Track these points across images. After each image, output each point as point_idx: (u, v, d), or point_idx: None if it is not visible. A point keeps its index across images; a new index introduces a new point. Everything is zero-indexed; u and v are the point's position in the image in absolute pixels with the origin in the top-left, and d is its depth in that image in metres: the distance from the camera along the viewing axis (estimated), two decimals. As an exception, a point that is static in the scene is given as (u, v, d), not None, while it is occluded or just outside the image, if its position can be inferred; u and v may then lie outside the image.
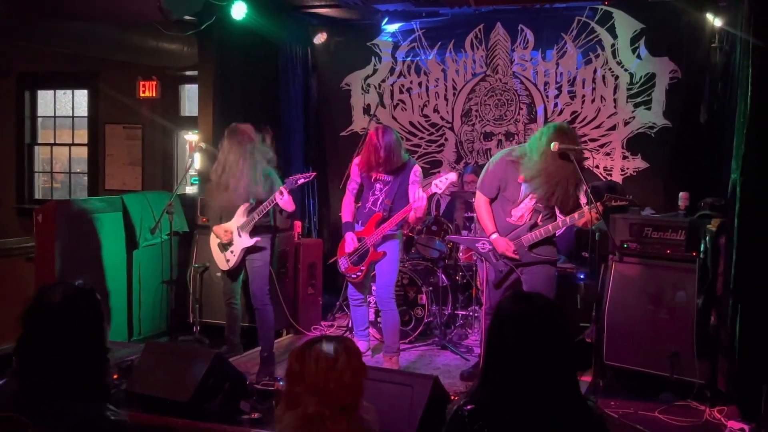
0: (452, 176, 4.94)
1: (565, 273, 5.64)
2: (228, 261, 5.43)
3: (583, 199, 4.56)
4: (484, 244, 4.85)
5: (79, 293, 2.26)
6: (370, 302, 5.80)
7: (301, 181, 5.19)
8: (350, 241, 5.25)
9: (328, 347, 2.10)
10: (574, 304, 5.50)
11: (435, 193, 4.96)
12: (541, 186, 4.53)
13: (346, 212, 5.36)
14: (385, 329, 5.35)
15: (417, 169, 5.18)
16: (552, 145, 4.39)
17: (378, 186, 5.19)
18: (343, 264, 5.34)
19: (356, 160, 5.36)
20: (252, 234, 5.33)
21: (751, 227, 4.27)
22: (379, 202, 5.17)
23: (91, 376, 2.20)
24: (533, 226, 4.69)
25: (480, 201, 4.88)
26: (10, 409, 2.05)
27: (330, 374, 2.05)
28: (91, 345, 2.22)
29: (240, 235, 5.34)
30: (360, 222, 5.28)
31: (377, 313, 6.12)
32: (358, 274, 5.26)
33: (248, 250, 5.37)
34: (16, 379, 2.18)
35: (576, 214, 4.51)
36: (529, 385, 2.01)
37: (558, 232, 4.78)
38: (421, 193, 4.89)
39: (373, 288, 5.62)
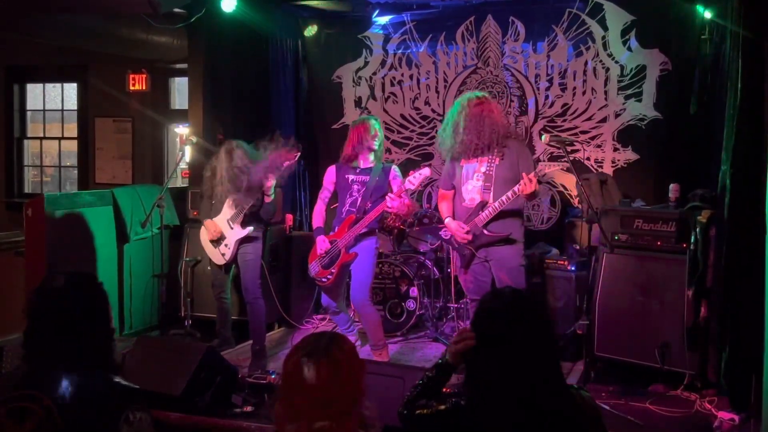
0: (426, 171, 4.88)
1: (556, 265, 5.66)
2: (224, 255, 5.42)
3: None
4: (445, 231, 4.97)
5: (81, 277, 2.40)
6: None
7: (285, 164, 5.19)
8: (321, 243, 5.19)
9: (328, 353, 1.94)
10: (566, 296, 5.52)
11: (409, 189, 4.91)
12: (454, 141, 4.76)
13: (317, 218, 5.32)
14: (367, 329, 5.27)
15: (395, 168, 5.23)
16: (543, 138, 4.49)
17: (355, 187, 5.18)
18: (313, 268, 5.26)
19: (331, 168, 5.36)
20: (244, 224, 5.33)
21: (741, 218, 4.29)
22: (357, 204, 5.12)
23: (99, 355, 2.33)
24: (483, 205, 4.73)
25: (439, 194, 5.12)
26: (24, 387, 2.17)
27: (335, 384, 1.91)
28: (96, 325, 2.35)
29: (232, 227, 5.34)
30: (335, 227, 5.22)
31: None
32: (329, 277, 5.16)
33: (242, 241, 5.37)
34: (28, 363, 2.31)
35: (516, 187, 4.55)
36: (512, 379, 2.03)
37: (506, 206, 4.70)
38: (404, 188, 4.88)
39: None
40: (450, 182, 4.98)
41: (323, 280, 5.22)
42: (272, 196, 5.30)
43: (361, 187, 5.16)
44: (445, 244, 5.15)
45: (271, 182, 5.19)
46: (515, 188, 4.56)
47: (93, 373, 2.27)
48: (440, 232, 5.03)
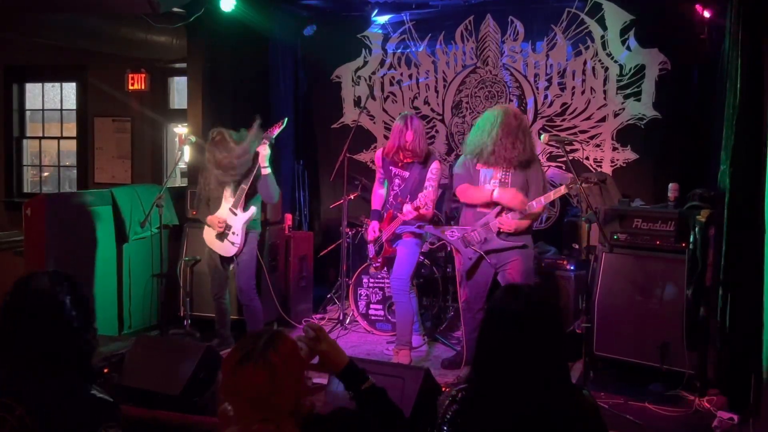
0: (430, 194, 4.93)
1: (556, 265, 5.66)
2: (234, 243, 5.40)
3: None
4: (452, 232, 4.91)
5: (57, 278, 2.25)
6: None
7: (276, 130, 5.32)
8: (371, 231, 5.39)
9: (263, 358, 1.88)
10: (566, 295, 5.52)
11: (419, 207, 4.92)
12: (482, 146, 4.77)
13: (374, 201, 5.51)
14: (397, 321, 5.41)
15: (435, 166, 5.18)
16: (542, 137, 4.49)
17: (396, 182, 5.30)
18: (370, 250, 5.48)
19: (378, 152, 5.48)
20: (246, 207, 5.36)
21: (740, 218, 4.29)
22: (398, 199, 5.21)
23: (75, 359, 2.21)
24: (500, 212, 4.78)
25: (460, 188, 4.99)
26: None
27: (271, 388, 1.86)
28: (73, 328, 2.22)
29: (236, 214, 5.35)
30: (384, 214, 5.40)
31: (368, 305, 6.14)
32: (377, 264, 5.46)
33: (249, 227, 5.41)
34: (3, 368, 2.19)
35: (542, 198, 4.66)
36: (521, 377, 2.02)
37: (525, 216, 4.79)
38: (424, 200, 4.86)
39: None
40: (468, 180, 4.98)
41: (374, 265, 5.50)
42: (269, 168, 5.32)
43: (401, 183, 5.25)
44: (450, 246, 5.04)
45: (266, 151, 5.25)
46: (541, 198, 4.67)
47: (70, 381, 2.17)
48: (446, 233, 4.94)
